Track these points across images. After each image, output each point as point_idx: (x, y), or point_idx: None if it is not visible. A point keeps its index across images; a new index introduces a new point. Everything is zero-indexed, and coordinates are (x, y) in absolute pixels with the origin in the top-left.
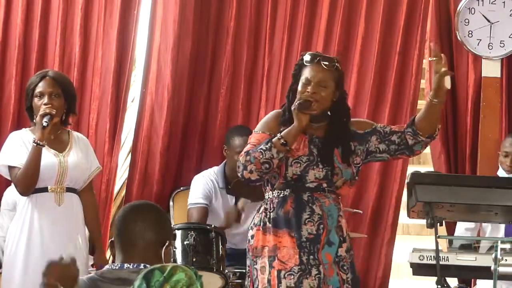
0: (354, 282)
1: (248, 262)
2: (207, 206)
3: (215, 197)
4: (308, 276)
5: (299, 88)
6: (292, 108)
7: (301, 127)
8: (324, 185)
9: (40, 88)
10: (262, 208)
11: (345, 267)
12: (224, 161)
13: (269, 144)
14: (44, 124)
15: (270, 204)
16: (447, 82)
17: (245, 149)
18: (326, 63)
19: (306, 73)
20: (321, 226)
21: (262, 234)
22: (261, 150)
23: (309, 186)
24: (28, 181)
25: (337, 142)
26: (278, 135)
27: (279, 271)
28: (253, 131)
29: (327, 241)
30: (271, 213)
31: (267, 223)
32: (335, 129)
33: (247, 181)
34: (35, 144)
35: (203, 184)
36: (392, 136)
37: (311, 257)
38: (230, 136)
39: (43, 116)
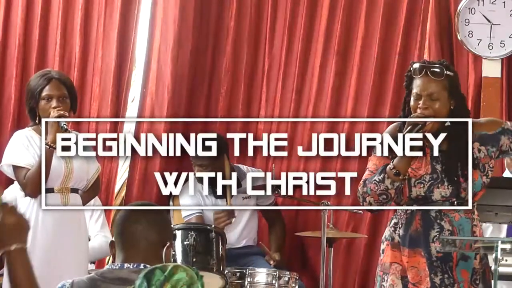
0: None
1: (376, 276)
2: (201, 213)
3: (204, 201)
4: None
5: (411, 102)
6: (403, 134)
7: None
8: (453, 199)
9: (48, 91)
10: (392, 222)
11: (477, 281)
12: None
13: (382, 175)
14: (65, 127)
15: (399, 219)
16: None
17: (363, 177)
18: (435, 72)
19: (415, 86)
20: None
21: (391, 250)
22: (375, 182)
23: (436, 202)
24: (39, 183)
25: (461, 154)
26: (391, 164)
27: None
28: (372, 152)
29: (462, 256)
30: (400, 230)
31: (396, 239)
32: (455, 141)
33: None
34: (47, 147)
35: (191, 196)
36: None
37: (446, 275)
38: None
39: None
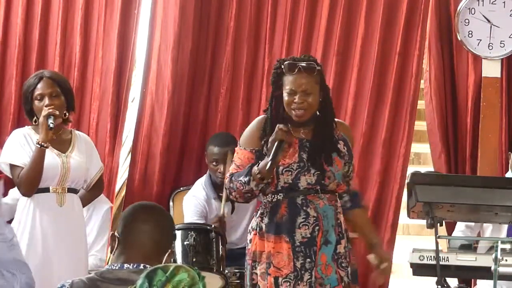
0: (352, 275)
1: (245, 265)
2: (205, 221)
3: (210, 211)
4: (300, 282)
5: (285, 97)
6: (270, 145)
7: (278, 161)
8: (318, 187)
9: (39, 90)
10: (259, 212)
11: (343, 264)
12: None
13: (248, 178)
14: (51, 125)
15: (265, 208)
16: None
17: (231, 170)
18: (308, 68)
19: (289, 82)
20: (317, 228)
21: (259, 239)
22: (241, 183)
23: (302, 190)
24: (32, 182)
25: (325, 143)
26: (255, 168)
27: (276, 278)
28: (238, 144)
29: (324, 241)
30: (266, 218)
31: (263, 228)
32: (321, 129)
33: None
34: (38, 146)
35: (195, 205)
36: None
37: (308, 260)
38: (208, 143)
39: (47, 117)
